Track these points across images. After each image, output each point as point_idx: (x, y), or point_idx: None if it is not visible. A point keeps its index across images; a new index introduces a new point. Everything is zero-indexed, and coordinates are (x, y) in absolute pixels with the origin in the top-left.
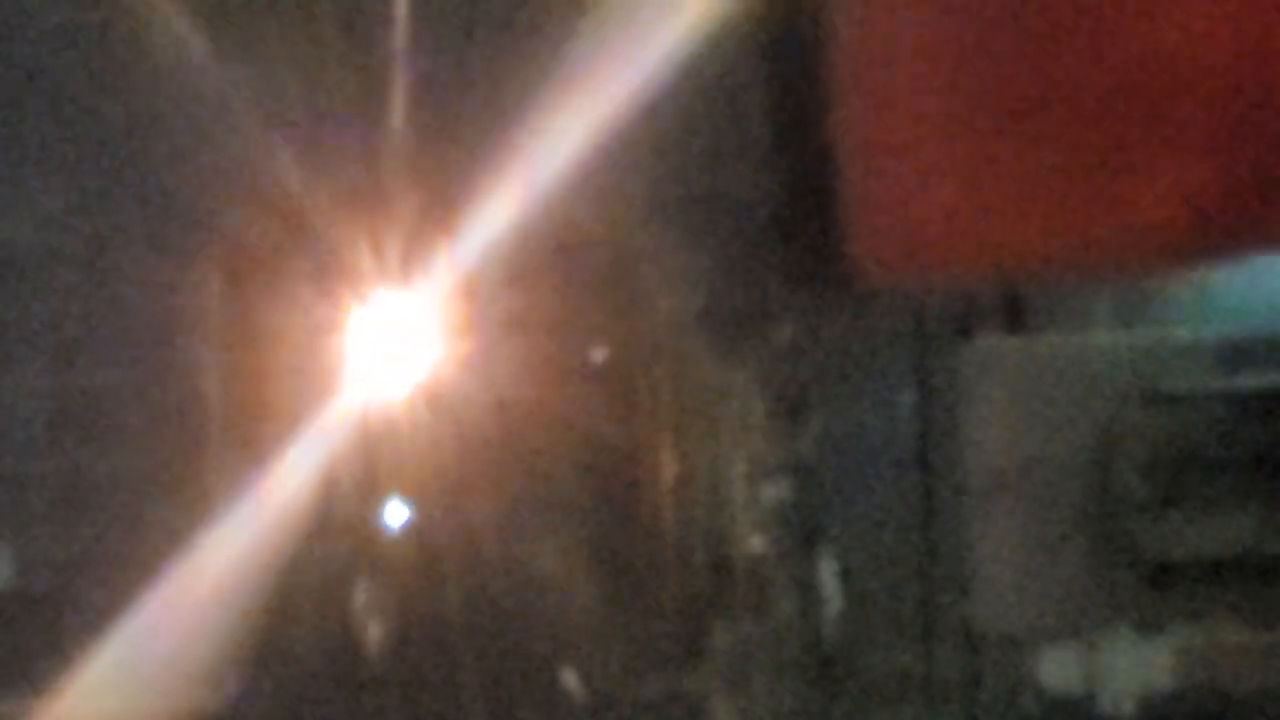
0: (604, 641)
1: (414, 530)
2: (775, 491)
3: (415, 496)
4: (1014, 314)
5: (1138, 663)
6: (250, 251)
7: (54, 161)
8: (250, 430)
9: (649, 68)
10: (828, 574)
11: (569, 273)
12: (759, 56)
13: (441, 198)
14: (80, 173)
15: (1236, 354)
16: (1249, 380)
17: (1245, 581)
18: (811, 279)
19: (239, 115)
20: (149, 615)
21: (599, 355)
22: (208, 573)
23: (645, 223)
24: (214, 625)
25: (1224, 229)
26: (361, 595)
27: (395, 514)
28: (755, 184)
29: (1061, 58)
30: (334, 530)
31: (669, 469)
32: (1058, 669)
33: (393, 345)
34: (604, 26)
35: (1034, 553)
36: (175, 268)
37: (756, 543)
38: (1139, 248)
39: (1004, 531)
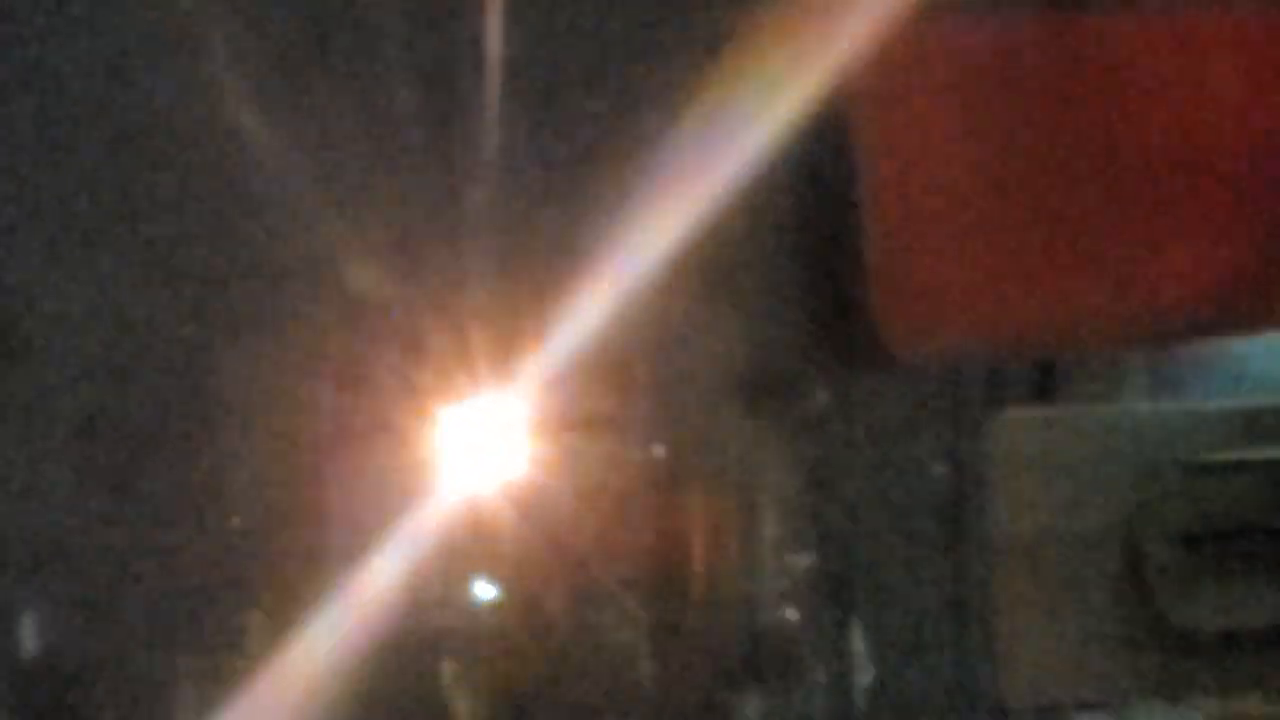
0: (649, 710)
1: (498, 607)
2: (805, 561)
3: (500, 577)
4: (1045, 385)
5: None
6: (340, 350)
7: (127, 249)
8: (348, 518)
9: (727, 165)
10: (858, 644)
11: (634, 373)
12: (792, 138)
13: (525, 300)
14: (152, 262)
15: (1268, 424)
16: None
17: (1276, 653)
18: (842, 350)
19: (318, 207)
20: (250, 693)
21: (660, 450)
22: (306, 650)
23: (694, 300)
24: (310, 701)
25: (1241, 305)
26: (450, 669)
27: (482, 593)
28: (786, 256)
29: (1083, 144)
30: (426, 609)
31: (700, 539)
32: None
33: (480, 440)
34: (685, 125)
35: (1063, 623)
36: (267, 363)
37: (787, 613)
38: (1159, 322)
39: (1034, 602)
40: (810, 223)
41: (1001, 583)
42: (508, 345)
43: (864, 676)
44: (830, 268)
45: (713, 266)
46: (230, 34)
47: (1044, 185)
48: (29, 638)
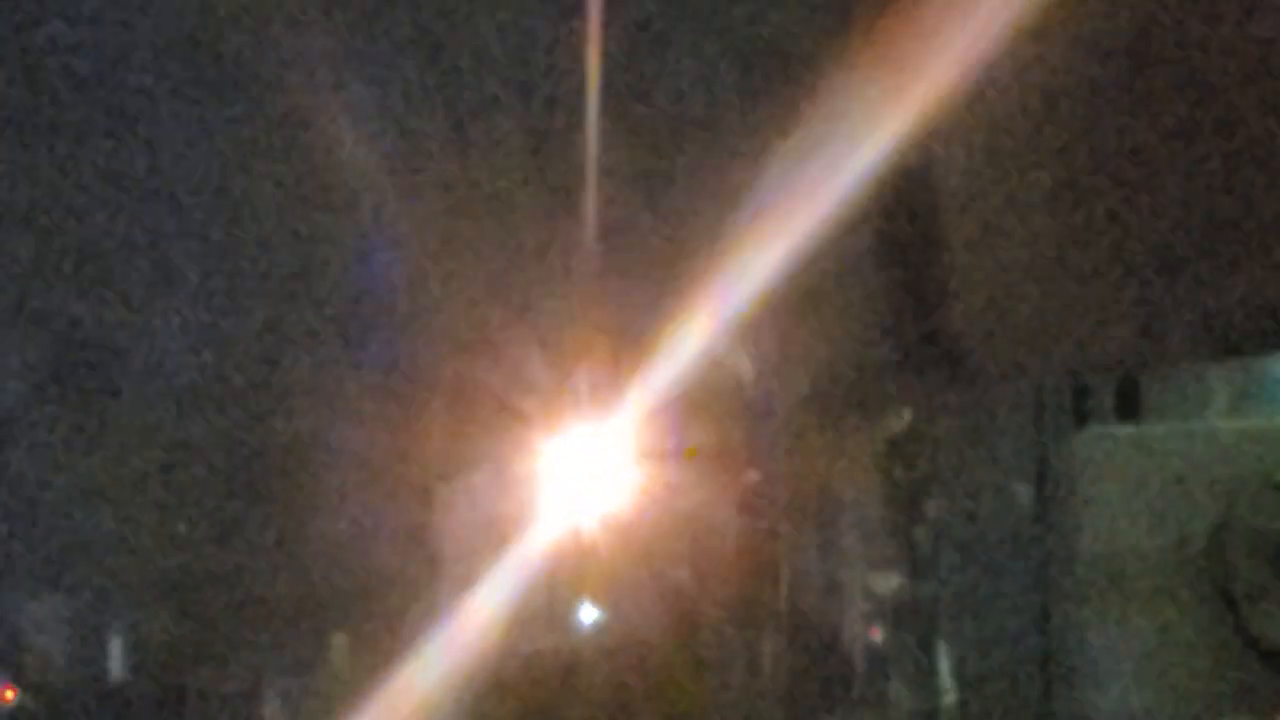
0: None
1: (603, 627)
2: (890, 583)
3: (601, 601)
4: (1128, 403)
5: None
6: (458, 389)
7: (226, 283)
8: (465, 544)
9: (815, 201)
10: (942, 665)
11: (726, 403)
12: (877, 170)
13: (625, 337)
14: (247, 295)
15: None
16: None
17: None
18: (928, 370)
19: (422, 243)
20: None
21: (751, 477)
22: (429, 663)
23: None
24: (437, 702)
25: None
26: (559, 681)
27: (588, 614)
28: (871, 279)
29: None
30: (536, 627)
31: (787, 563)
32: None
33: (585, 470)
34: (778, 161)
35: (1148, 640)
36: (393, 405)
37: (871, 633)
38: (1237, 336)
39: (1119, 620)
40: (894, 247)
41: (1086, 601)
42: (608, 379)
43: (947, 697)
44: (915, 286)
45: (798, 296)
46: (335, 69)
47: (1125, 201)
48: (119, 660)
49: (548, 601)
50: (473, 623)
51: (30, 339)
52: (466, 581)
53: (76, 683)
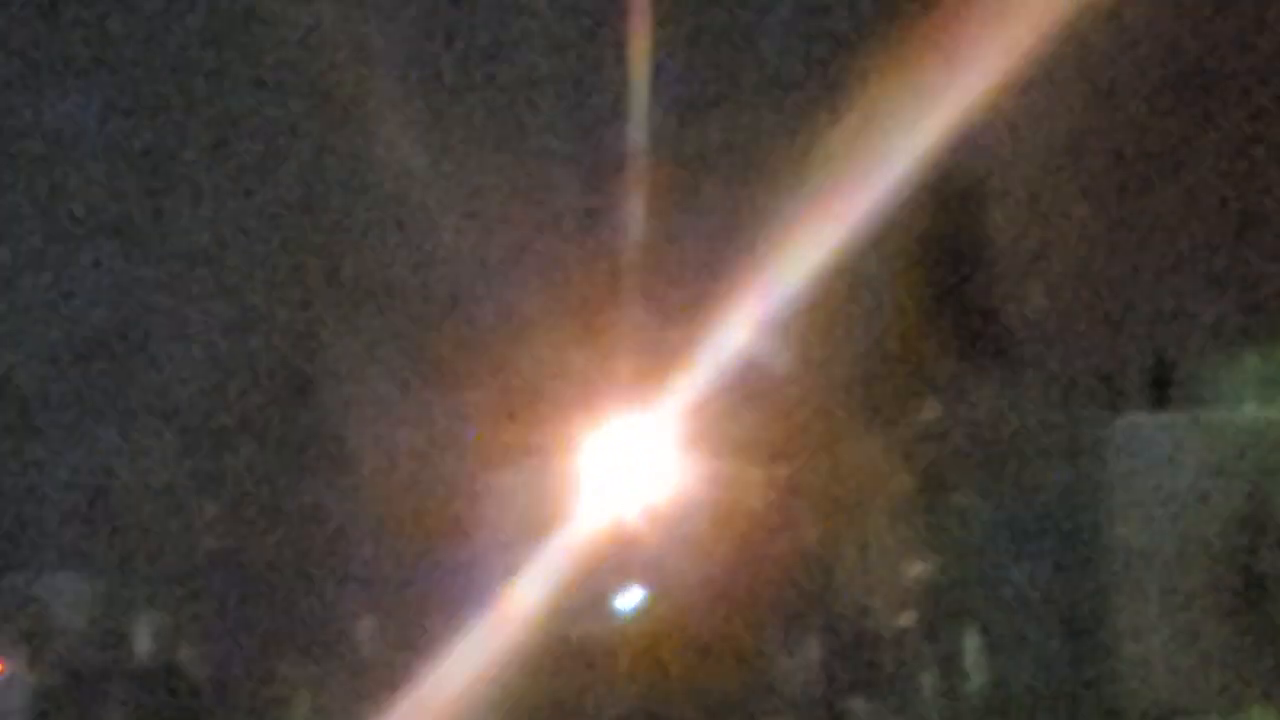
0: (776, 708)
1: (646, 609)
2: (920, 567)
3: (646, 583)
4: (1161, 391)
5: None
6: (512, 379)
7: (259, 262)
8: (515, 529)
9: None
10: (971, 650)
11: (765, 396)
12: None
13: (674, 331)
14: (285, 279)
15: None
16: None
17: None
18: (961, 357)
19: (467, 235)
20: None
21: (784, 466)
22: (477, 643)
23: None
24: (479, 686)
25: None
26: (603, 660)
27: (631, 597)
28: (910, 271)
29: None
30: (582, 610)
31: (817, 546)
32: None
33: (631, 460)
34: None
35: (1178, 628)
36: (446, 394)
37: (901, 618)
38: (1269, 324)
39: (1149, 607)
40: (936, 241)
41: (1116, 588)
42: (650, 372)
43: (976, 681)
44: (954, 278)
45: (837, 288)
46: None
47: (1161, 192)
48: (147, 642)
49: (590, 588)
50: (517, 608)
51: (61, 321)
52: (511, 568)
53: (102, 662)
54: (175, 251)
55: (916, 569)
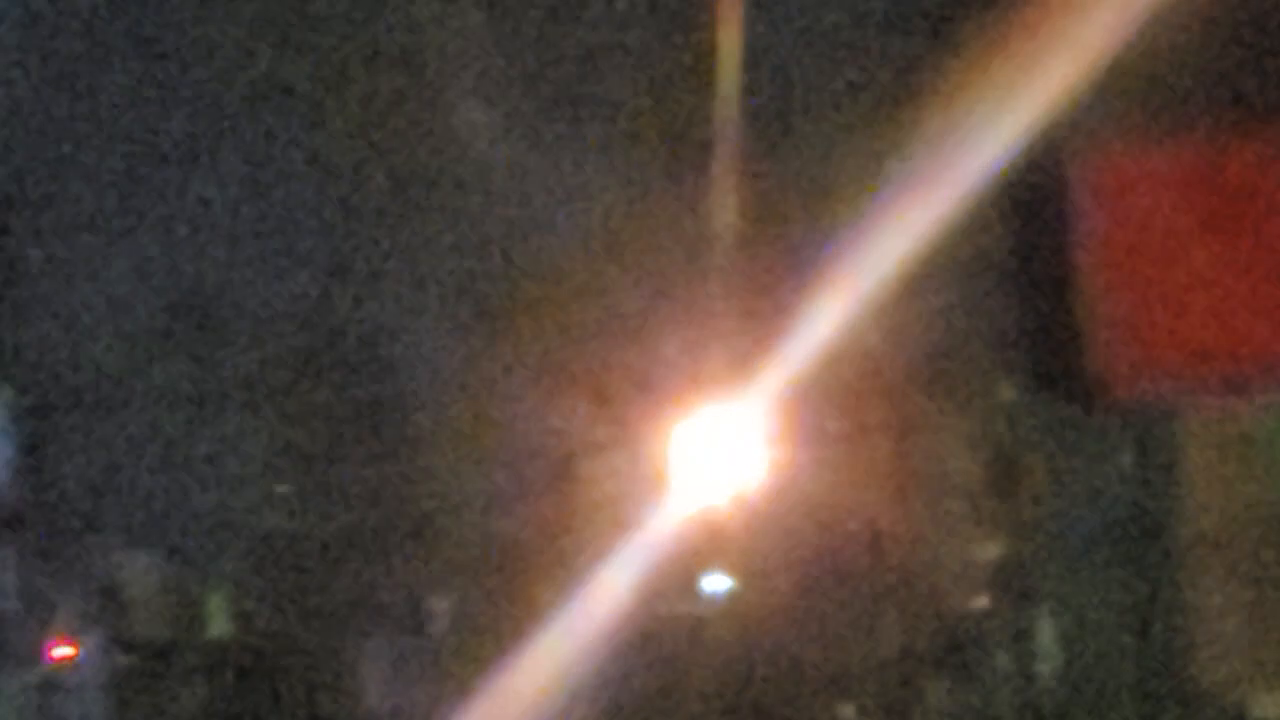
0: (856, 689)
1: (732, 594)
2: (993, 550)
3: (732, 569)
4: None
5: None
6: (603, 366)
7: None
8: (607, 518)
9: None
10: (1043, 632)
11: (853, 386)
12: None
13: (763, 321)
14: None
15: None
16: None
17: None
18: (1032, 345)
19: (560, 224)
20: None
21: (874, 453)
22: (577, 625)
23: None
24: (573, 667)
25: None
26: (690, 642)
27: (717, 583)
28: (988, 262)
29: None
30: (671, 594)
31: (893, 530)
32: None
33: (717, 448)
34: (913, 149)
35: (1249, 610)
36: (544, 390)
37: (974, 601)
38: None
39: (1220, 589)
40: (1017, 234)
41: (1188, 570)
42: (738, 363)
43: (1048, 664)
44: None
45: (918, 279)
46: (475, 60)
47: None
48: (220, 616)
49: (680, 571)
50: (609, 589)
51: (132, 302)
52: (604, 551)
53: (174, 640)
54: (250, 231)
55: (987, 550)
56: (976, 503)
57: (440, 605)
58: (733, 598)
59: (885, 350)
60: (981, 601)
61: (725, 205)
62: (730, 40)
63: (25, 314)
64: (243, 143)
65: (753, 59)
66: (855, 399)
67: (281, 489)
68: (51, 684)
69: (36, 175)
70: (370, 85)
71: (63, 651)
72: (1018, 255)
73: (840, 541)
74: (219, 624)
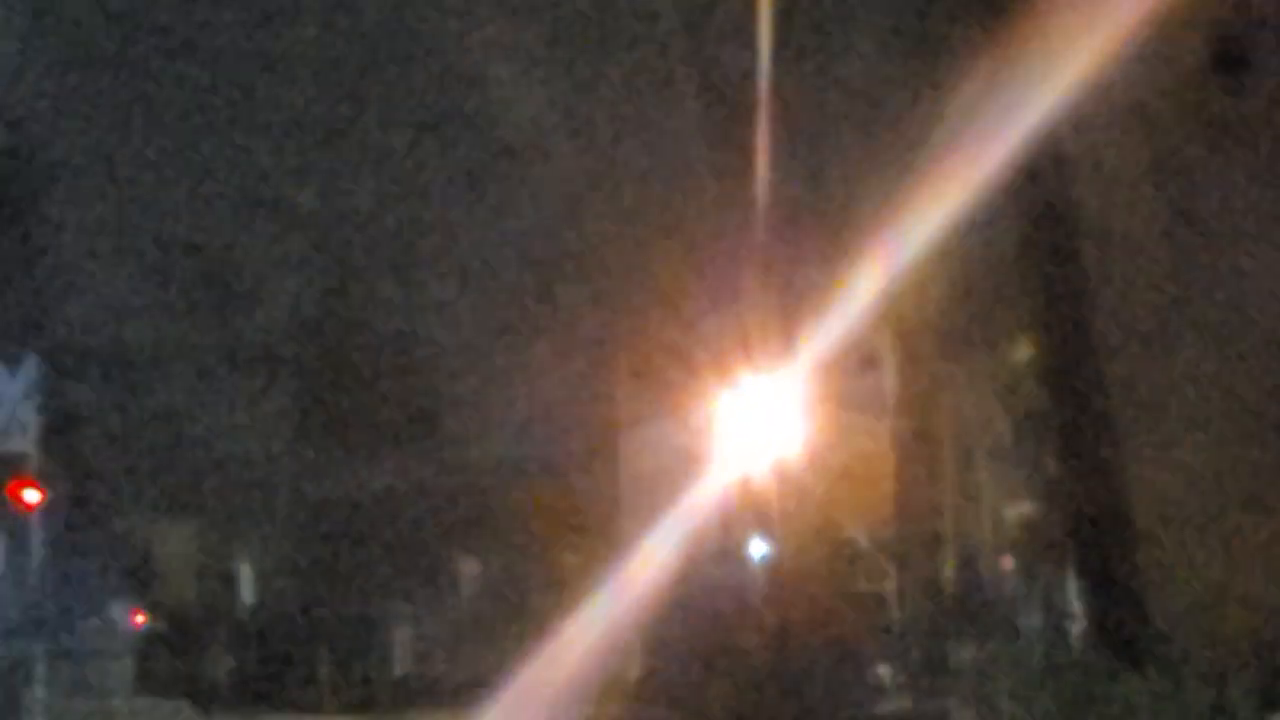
0: (891, 649)
1: (772, 558)
2: (1022, 511)
3: (772, 534)
4: None
5: None
6: (647, 338)
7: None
8: (647, 489)
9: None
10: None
11: (877, 353)
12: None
13: (800, 292)
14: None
15: None
16: None
17: None
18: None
19: (600, 197)
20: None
21: (894, 418)
22: (626, 590)
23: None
24: (625, 628)
25: None
26: (732, 603)
27: (758, 548)
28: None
29: None
30: (715, 559)
31: (925, 493)
32: None
33: (758, 418)
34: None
35: (1273, 567)
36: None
37: (1003, 562)
38: None
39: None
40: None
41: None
42: (779, 333)
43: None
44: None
45: (946, 250)
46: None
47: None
48: (248, 581)
49: (723, 538)
50: (653, 556)
51: (165, 273)
52: (648, 519)
53: (208, 607)
54: (276, 197)
55: (1017, 512)
56: (1006, 465)
57: (471, 570)
58: (772, 563)
59: (916, 319)
60: (1011, 563)
61: (765, 178)
62: (767, 25)
63: (53, 283)
64: (268, 107)
65: (790, 39)
66: (888, 366)
67: (312, 456)
68: (81, 651)
69: (62, 144)
70: (406, 46)
71: (93, 619)
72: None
73: (877, 506)
74: (249, 591)
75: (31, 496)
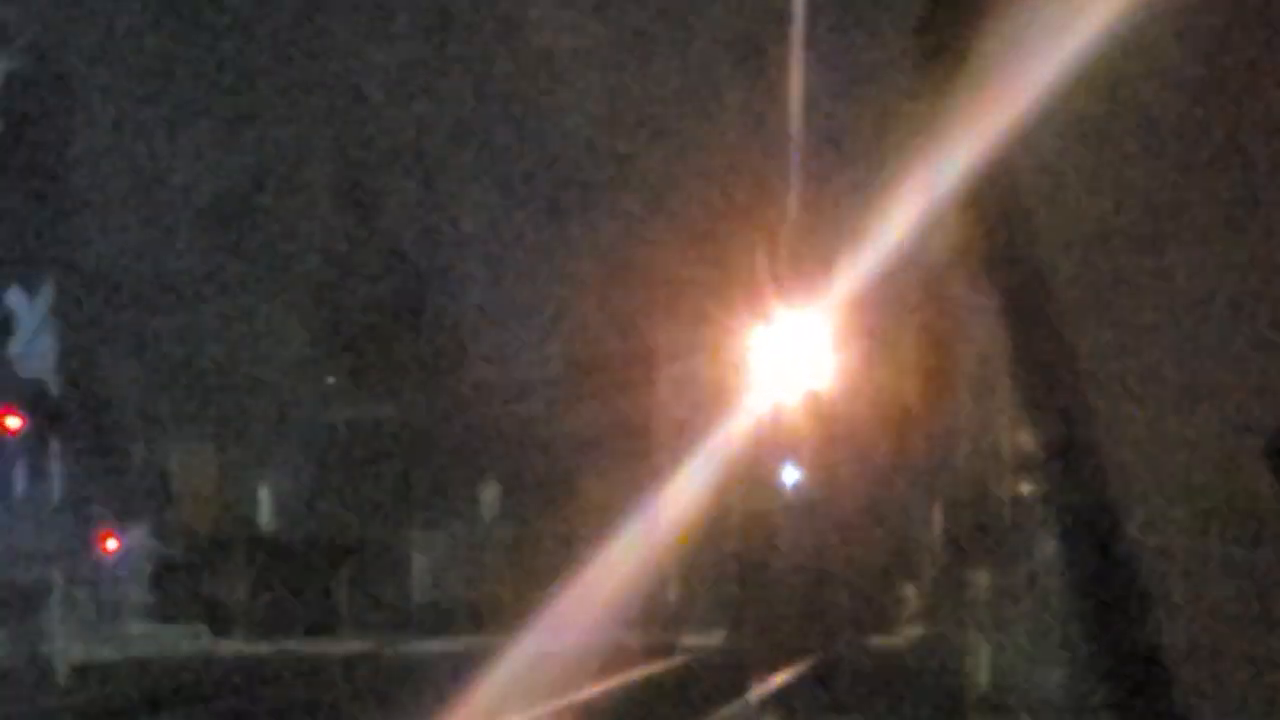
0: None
1: (803, 485)
2: (1038, 437)
3: (805, 463)
4: None
5: None
6: (677, 277)
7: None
8: (684, 418)
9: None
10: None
11: (913, 293)
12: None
13: (826, 232)
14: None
15: None
16: None
17: None
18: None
19: (641, 151)
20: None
21: (928, 354)
22: (659, 517)
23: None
24: (656, 555)
25: None
26: (764, 529)
27: (790, 475)
28: None
29: None
30: (749, 484)
31: (939, 419)
32: None
33: (790, 353)
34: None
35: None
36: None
37: (1020, 486)
38: None
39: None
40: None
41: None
42: (810, 269)
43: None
44: None
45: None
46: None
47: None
48: (267, 506)
49: (755, 466)
50: (689, 487)
51: (190, 202)
52: (682, 450)
53: (226, 531)
54: (298, 117)
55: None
56: (1022, 390)
57: (490, 495)
58: (803, 490)
59: (938, 259)
60: (1027, 487)
61: (797, 122)
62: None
63: (66, 209)
64: (294, 29)
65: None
66: (910, 304)
67: (331, 380)
68: (100, 575)
69: (84, 72)
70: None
71: (111, 542)
72: None
73: (897, 436)
74: (268, 516)
75: (12, 423)
